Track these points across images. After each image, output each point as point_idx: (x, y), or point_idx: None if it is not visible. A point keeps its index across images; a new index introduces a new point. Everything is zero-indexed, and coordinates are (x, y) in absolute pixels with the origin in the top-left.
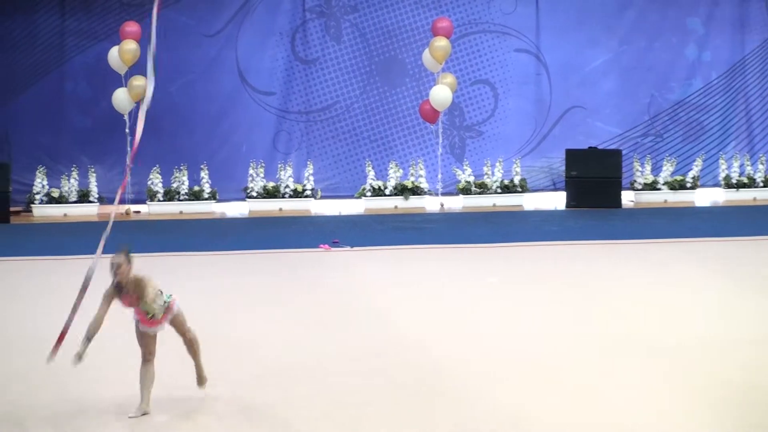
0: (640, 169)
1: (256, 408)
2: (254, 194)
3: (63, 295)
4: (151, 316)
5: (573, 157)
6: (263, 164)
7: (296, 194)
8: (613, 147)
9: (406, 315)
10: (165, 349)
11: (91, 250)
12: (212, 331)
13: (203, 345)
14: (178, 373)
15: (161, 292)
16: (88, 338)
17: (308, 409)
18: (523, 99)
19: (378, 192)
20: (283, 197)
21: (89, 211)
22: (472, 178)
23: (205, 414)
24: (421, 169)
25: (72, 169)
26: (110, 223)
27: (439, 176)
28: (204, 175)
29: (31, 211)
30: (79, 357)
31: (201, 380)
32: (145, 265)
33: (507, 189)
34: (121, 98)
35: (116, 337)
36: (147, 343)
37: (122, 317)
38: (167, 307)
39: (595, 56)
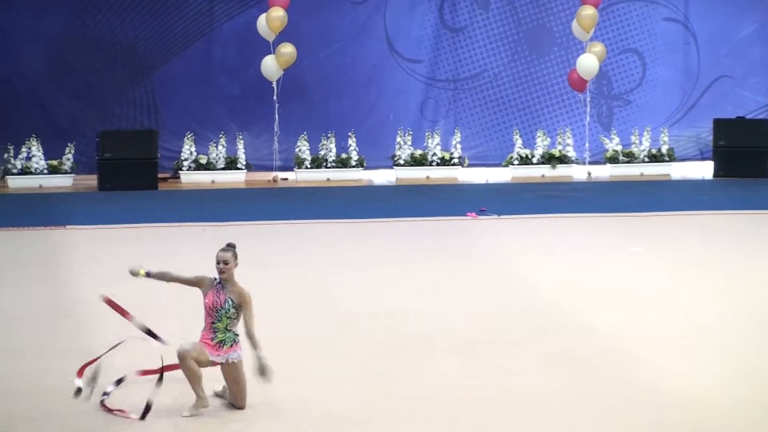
0: None
1: (395, 375)
2: (401, 162)
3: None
4: (219, 342)
5: (721, 126)
6: (411, 132)
7: (443, 162)
8: (761, 117)
9: (552, 283)
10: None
11: (238, 217)
12: (356, 299)
13: (351, 314)
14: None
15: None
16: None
17: (452, 377)
18: (671, 68)
19: (525, 160)
20: (431, 165)
21: (237, 178)
22: (619, 147)
23: (337, 379)
24: (568, 137)
25: (220, 135)
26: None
27: (587, 145)
28: (351, 142)
29: (179, 178)
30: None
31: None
32: (292, 232)
33: (654, 158)
34: (269, 65)
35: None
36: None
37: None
38: (235, 342)
39: (744, 25)
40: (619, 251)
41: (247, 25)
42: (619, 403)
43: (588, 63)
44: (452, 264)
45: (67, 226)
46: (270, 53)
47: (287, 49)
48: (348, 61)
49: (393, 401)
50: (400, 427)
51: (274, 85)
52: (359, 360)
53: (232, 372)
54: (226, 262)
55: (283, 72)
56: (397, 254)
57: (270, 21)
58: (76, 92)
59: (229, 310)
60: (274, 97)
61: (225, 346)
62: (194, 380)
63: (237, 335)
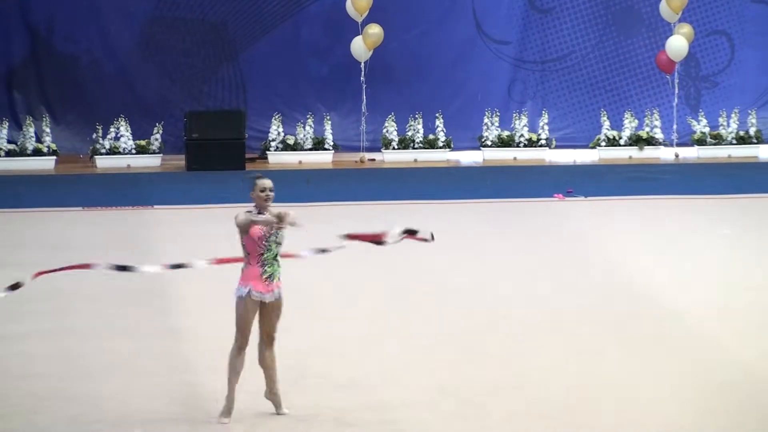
0: None
1: (481, 357)
2: (489, 143)
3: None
4: (268, 276)
5: None
6: (498, 113)
7: (531, 143)
8: None
9: (640, 265)
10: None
11: (325, 198)
12: (443, 280)
13: (440, 295)
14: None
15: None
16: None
17: (539, 358)
18: (760, 50)
19: (613, 142)
20: (518, 146)
21: (324, 158)
22: (707, 129)
23: (425, 359)
24: (656, 119)
25: (307, 116)
26: None
27: (675, 127)
28: (439, 123)
29: (266, 158)
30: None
31: (274, 395)
32: (379, 213)
33: (742, 140)
34: (357, 46)
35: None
36: (246, 324)
37: None
38: (279, 276)
39: None
40: (708, 233)
41: (334, 6)
42: (709, 386)
43: (678, 44)
44: (539, 245)
45: (155, 206)
46: (358, 34)
47: (374, 30)
48: (435, 42)
49: (479, 382)
50: (484, 408)
51: (362, 65)
52: (448, 341)
53: (276, 308)
54: (272, 189)
55: (370, 53)
56: (484, 235)
57: (356, 2)
58: (165, 72)
59: (278, 233)
60: (362, 78)
61: (274, 280)
62: (235, 379)
63: (280, 267)
